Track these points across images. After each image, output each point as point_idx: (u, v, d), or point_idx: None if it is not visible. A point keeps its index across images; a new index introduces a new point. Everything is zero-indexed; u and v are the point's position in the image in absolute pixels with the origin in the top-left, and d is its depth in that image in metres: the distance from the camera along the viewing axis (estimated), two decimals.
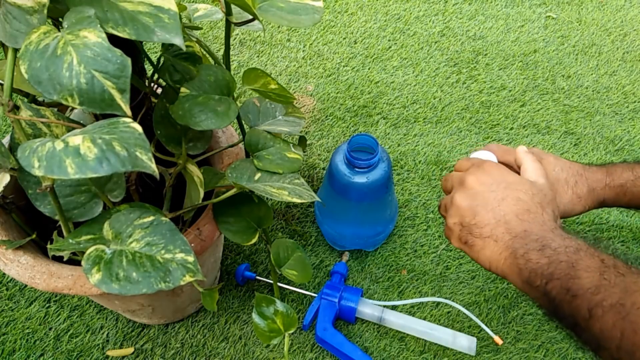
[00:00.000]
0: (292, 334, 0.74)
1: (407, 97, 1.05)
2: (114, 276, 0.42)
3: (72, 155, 0.34)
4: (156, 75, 0.57)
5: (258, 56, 1.12)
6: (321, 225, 0.83)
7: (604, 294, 0.37)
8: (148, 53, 0.72)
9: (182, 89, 0.51)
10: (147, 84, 0.58)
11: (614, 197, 0.58)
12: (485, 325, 0.74)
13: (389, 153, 0.89)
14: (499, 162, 0.59)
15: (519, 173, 0.55)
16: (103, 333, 0.74)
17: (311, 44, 1.15)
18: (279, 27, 1.18)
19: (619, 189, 0.57)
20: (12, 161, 0.47)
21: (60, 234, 0.53)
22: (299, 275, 0.62)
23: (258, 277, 0.78)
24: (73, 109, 0.59)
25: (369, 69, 1.10)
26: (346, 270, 0.79)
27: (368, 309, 0.74)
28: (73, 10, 0.38)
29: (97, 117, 0.57)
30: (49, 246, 0.51)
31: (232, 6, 0.51)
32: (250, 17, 0.49)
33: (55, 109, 0.51)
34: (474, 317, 0.73)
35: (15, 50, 0.40)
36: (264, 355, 0.73)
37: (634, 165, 0.58)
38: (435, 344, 0.73)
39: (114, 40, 0.38)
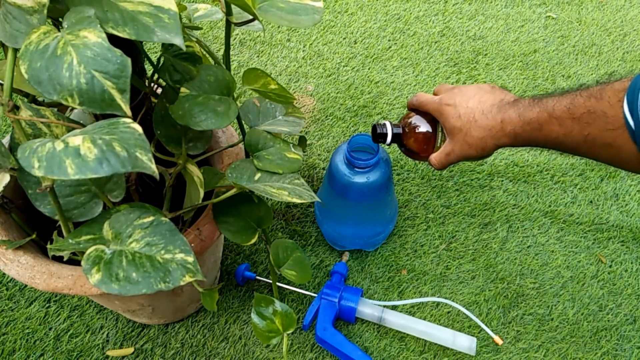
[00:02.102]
0: (292, 334, 0.74)
1: (407, 97, 1.05)
2: (114, 276, 0.42)
3: (72, 155, 0.34)
4: (156, 75, 0.57)
5: (258, 56, 1.12)
6: (321, 225, 0.83)
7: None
8: (148, 53, 0.72)
9: (182, 89, 0.51)
10: (147, 84, 0.58)
11: (510, 142, 0.56)
12: (485, 325, 0.74)
13: (389, 153, 0.89)
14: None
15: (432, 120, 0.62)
16: (103, 333, 0.74)
17: (311, 44, 1.15)
18: (279, 27, 1.18)
19: (516, 136, 0.54)
20: (12, 161, 0.47)
21: (60, 234, 0.53)
22: (299, 275, 0.62)
23: (258, 277, 0.78)
24: (73, 109, 0.59)
25: (369, 69, 1.10)
26: (346, 270, 0.79)
27: (368, 309, 0.74)
28: (73, 10, 0.38)
29: (97, 117, 0.57)
30: (49, 246, 0.51)
31: (232, 6, 0.51)
32: (250, 17, 0.49)
33: (55, 109, 0.51)
34: (474, 317, 0.73)
35: (15, 50, 0.40)
36: (264, 355, 0.73)
37: (526, 106, 0.54)
38: (435, 344, 0.73)
39: (114, 40, 0.38)
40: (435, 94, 0.63)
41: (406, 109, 0.98)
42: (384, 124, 0.64)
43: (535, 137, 0.52)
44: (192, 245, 0.56)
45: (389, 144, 0.64)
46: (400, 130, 0.64)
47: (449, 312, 0.77)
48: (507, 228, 0.86)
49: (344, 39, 1.16)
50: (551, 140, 0.51)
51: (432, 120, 0.63)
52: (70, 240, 0.47)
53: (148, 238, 0.44)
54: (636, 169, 0.46)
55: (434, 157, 0.62)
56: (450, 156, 0.60)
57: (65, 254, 0.53)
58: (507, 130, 0.54)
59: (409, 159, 0.95)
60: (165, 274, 0.43)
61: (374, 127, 0.63)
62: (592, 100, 0.46)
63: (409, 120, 0.64)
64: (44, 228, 0.60)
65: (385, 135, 0.63)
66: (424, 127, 0.63)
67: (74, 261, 0.55)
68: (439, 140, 0.64)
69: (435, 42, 1.16)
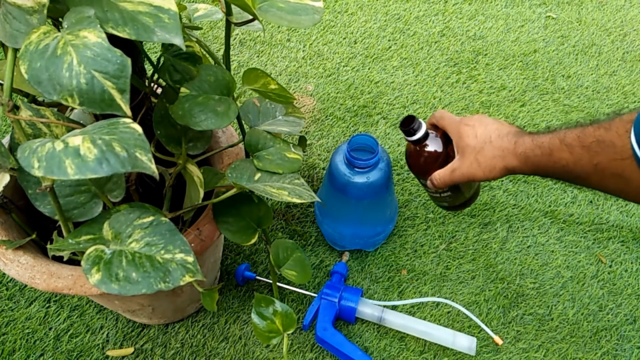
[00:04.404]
0: (292, 334, 0.75)
1: (407, 97, 1.05)
2: (114, 276, 0.42)
3: (72, 155, 0.34)
4: (156, 75, 0.57)
5: (258, 56, 1.12)
6: (321, 225, 0.83)
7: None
8: (148, 53, 0.72)
9: (182, 89, 0.51)
10: (147, 84, 0.58)
11: (518, 165, 0.56)
12: (485, 325, 0.74)
13: (389, 153, 0.89)
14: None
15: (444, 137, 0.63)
16: (103, 333, 0.74)
17: (311, 44, 1.15)
18: (279, 27, 1.18)
19: (526, 159, 0.55)
20: (12, 161, 0.47)
21: (60, 234, 0.53)
22: (299, 275, 0.62)
23: (258, 277, 0.78)
24: (73, 109, 0.59)
25: (369, 69, 1.10)
26: (346, 270, 0.79)
27: (368, 309, 0.74)
28: (73, 11, 0.38)
29: (97, 117, 0.57)
30: (49, 246, 0.51)
31: (232, 6, 0.51)
32: (250, 17, 0.49)
33: (55, 109, 0.51)
34: (474, 317, 0.73)
35: (15, 50, 0.40)
36: (264, 355, 0.73)
37: (540, 134, 0.55)
38: (435, 344, 0.73)
39: (114, 40, 0.38)
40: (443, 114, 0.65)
41: (408, 112, 0.99)
42: (421, 122, 0.64)
43: (545, 163, 0.53)
44: (192, 245, 0.56)
45: (413, 142, 0.64)
46: (433, 134, 0.64)
47: (449, 312, 0.77)
48: (507, 228, 0.86)
49: (344, 39, 1.16)
50: (560, 168, 0.52)
51: (445, 143, 0.64)
52: (70, 240, 0.47)
53: (148, 238, 0.44)
54: None
55: (438, 172, 0.63)
56: (455, 173, 0.60)
57: (65, 254, 0.53)
58: (519, 151, 0.55)
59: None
60: (165, 274, 0.43)
61: (411, 118, 0.63)
62: (601, 130, 0.47)
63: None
64: (44, 228, 0.60)
65: (416, 130, 0.63)
66: (437, 146, 0.65)
67: (74, 261, 0.55)
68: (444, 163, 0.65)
69: (435, 42, 1.16)
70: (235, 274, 0.78)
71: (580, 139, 0.49)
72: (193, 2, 1.17)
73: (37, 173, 0.34)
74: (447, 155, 0.64)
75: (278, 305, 0.58)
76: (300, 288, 0.78)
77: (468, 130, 0.60)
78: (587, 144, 0.48)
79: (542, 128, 1.00)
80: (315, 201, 0.70)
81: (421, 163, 0.65)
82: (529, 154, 0.54)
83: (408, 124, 0.62)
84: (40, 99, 0.55)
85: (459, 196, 0.71)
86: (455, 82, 1.08)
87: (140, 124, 0.40)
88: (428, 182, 0.65)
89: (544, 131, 0.55)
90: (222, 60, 0.56)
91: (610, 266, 0.83)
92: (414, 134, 0.63)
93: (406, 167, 0.94)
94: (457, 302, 0.76)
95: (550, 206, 0.90)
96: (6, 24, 0.39)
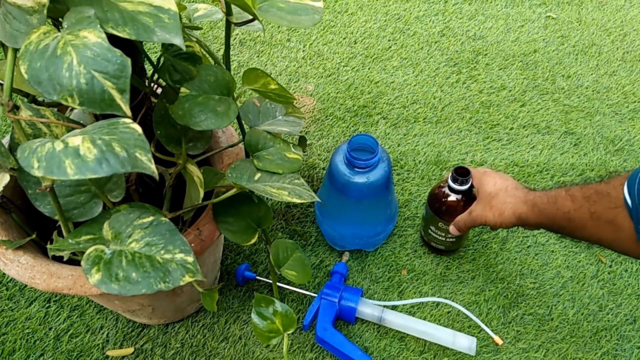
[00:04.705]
0: (292, 334, 0.75)
1: (407, 97, 1.05)
2: (114, 276, 0.42)
3: (72, 156, 0.34)
4: (156, 75, 0.57)
5: (258, 56, 1.12)
6: (321, 225, 0.83)
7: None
8: (148, 53, 0.72)
9: (182, 89, 0.51)
10: (147, 84, 0.58)
11: (526, 211, 0.61)
12: (485, 325, 0.74)
13: (389, 153, 0.89)
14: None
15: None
16: (103, 333, 0.74)
17: (311, 44, 1.15)
18: (279, 27, 1.18)
19: (533, 206, 0.61)
20: (12, 161, 0.47)
21: (60, 234, 0.53)
22: (299, 275, 0.62)
23: (258, 277, 0.78)
24: (73, 109, 0.59)
25: (369, 69, 1.10)
26: (346, 270, 0.79)
27: (368, 309, 0.74)
28: (73, 11, 0.38)
29: (97, 118, 0.57)
30: (49, 246, 0.51)
31: (232, 6, 0.51)
32: (250, 17, 0.49)
33: (55, 109, 0.51)
34: (474, 317, 0.73)
35: (15, 50, 0.40)
36: (264, 355, 0.73)
37: (551, 189, 0.61)
38: (435, 344, 0.73)
39: (114, 40, 0.38)
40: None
41: (408, 112, 1.00)
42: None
43: (550, 210, 0.59)
44: (192, 245, 0.56)
45: (459, 191, 0.73)
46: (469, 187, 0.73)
47: (449, 312, 0.77)
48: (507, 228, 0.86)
49: (344, 39, 1.16)
50: (561, 215, 0.57)
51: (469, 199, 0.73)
52: (70, 240, 0.47)
53: (148, 238, 0.44)
54: (634, 252, 0.52)
55: (460, 217, 0.71)
56: (472, 214, 0.68)
57: (65, 254, 0.53)
58: (528, 198, 0.61)
59: (409, 158, 0.95)
60: (165, 274, 0.43)
61: (466, 169, 0.72)
62: (602, 185, 0.53)
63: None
64: (44, 228, 0.60)
65: (468, 181, 0.71)
66: (473, 197, 0.73)
67: (74, 261, 0.55)
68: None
69: (435, 42, 1.16)
70: (235, 274, 0.78)
71: (582, 190, 0.55)
72: (193, 2, 1.17)
73: (37, 173, 0.34)
74: (466, 202, 0.73)
75: (278, 305, 0.58)
76: (300, 288, 0.78)
77: (489, 180, 0.67)
78: (588, 194, 0.54)
79: (526, 94, 1.00)
80: (315, 201, 0.71)
81: (457, 209, 0.73)
82: (536, 201, 0.60)
83: (466, 174, 0.71)
84: (40, 99, 0.55)
85: (459, 241, 0.80)
86: (455, 82, 1.08)
87: (140, 124, 0.40)
88: (451, 228, 0.73)
89: (554, 186, 0.61)
90: (222, 60, 0.56)
91: (610, 266, 0.83)
92: (466, 184, 0.71)
93: (406, 167, 0.94)
94: (457, 302, 0.76)
95: None
96: (6, 24, 0.39)
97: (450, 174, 0.71)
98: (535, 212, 0.60)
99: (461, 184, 0.71)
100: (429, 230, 0.78)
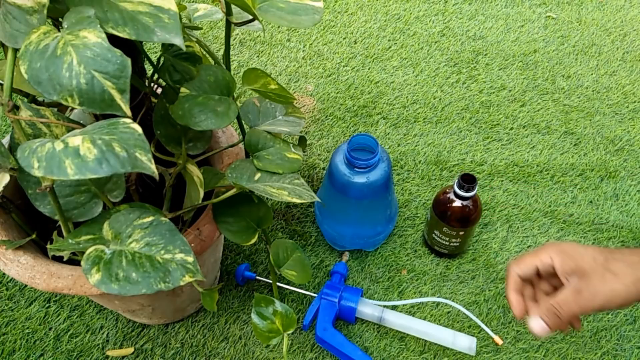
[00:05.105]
0: (292, 334, 0.74)
1: (407, 97, 1.05)
2: (114, 276, 0.42)
3: (72, 156, 0.34)
4: (156, 75, 0.57)
5: (258, 56, 1.12)
6: (321, 225, 0.83)
7: None
8: (148, 53, 0.72)
9: (182, 89, 0.51)
10: (147, 84, 0.58)
11: None
12: (485, 325, 0.74)
13: (389, 153, 0.89)
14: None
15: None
16: (103, 333, 0.74)
17: (311, 44, 1.15)
18: (279, 27, 1.18)
19: None
20: (12, 161, 0.47)
21: (60, 234, 0.53)
22: (298, 275, 0.62)
23: (258, 277, 0.78)
24: (73, 109, 0.59)
25: (369, 69, 1.10)
26: (346, 270, 0.79)
27: (368, 309, 0.74)
28: (73, 11, 0.38)
29: (97, 118, 0.57)
30: (48, 246, 0.51)
31: (232, 6, 0.51)
32: (250, 17, 0.49)
33: (55, 109, 0.51)
34: (474, 317, 0.73)
35: (15, 50, 0.40)
36: (264, 355, 0.73)
37: None
38: (435, 344, 0.73)
39: (114, 40, 0.38)
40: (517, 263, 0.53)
41: (408, 112, 1.00)
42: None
43: None
44: (192, 245, 0.56)
45: (465, 197, 0.73)
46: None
47: (449, 312, 0.77)
48: (507, 228, 0.86)
49: (344, 39, 1.16)
50: None
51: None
52: (70, 240, 0.47)
53: (148, 238, 0.44)
54: None
55: (554, 301, 0.48)
56: (582, 295, 0.47)
57: (65, 254, 0.53)
58: None
59: (409, 158, 0.95)
60: (165, 274, 0.43)
61: (473, 177, 0.72)
62: None
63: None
64: (44, 228, 0.60)
65: (475, 188, 0.72)
66: (476, 203, 0.75)
67: (74, 261, 0.55)
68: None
69: (435, 42, 1.16)
70: (235, 274, 0.78)
71: None
72: (193, 2, 1.17)
73: (37, 173, 0.34)
74: (477, 210, 0.75)
75: (278, 305, 0.58)
76: (300, 288, 0.78)
77: (573, 246, 0.49)
78: None
79: (526, 95, 1.00)
80: (315, 201, 0.71)
81: (462, 214, 0.74)
82: None
83: (472, 182, 0.71)
84: (40, 99, 0.55)
85: (463, 245, 0.80)
86: (455, 82, 1.08)
87: (140, 124, 0.40)
88: (538, 330, 0.50)
89: None
90: (222, 60, 0.56)
91: None
92: (473, 190, 0.72)
93: (406, 167, 0.94)
94: (457, 302, 0.76)
95: (550, 206, 0.90)
96: (6, 24, 0.39)
97: (457, 181, 0.72)
98: None
99: (467, 190, 0.71)
100: (433, 235, 0.78)
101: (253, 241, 0.59)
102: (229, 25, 0.53)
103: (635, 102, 1.06)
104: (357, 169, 0.71)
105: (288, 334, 0.59)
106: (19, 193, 0.60)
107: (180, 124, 0.51)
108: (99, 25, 0.37)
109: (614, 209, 0.90)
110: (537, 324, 0.49)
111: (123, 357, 0.72)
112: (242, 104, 0.63)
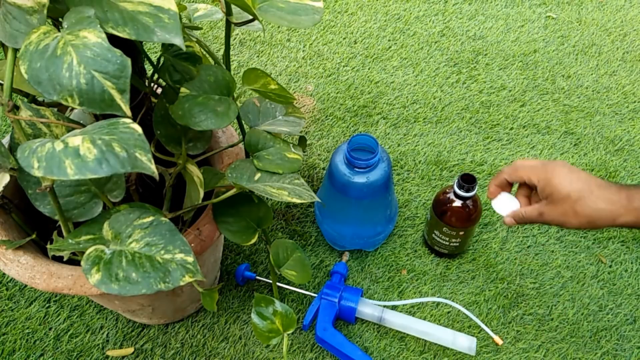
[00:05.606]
0: (292, 334, 0.74)
1: (407, 97, 1.05)
2: (114, 276, 0.42)
3: (72, 156, 0.34)
4: (156, 75, 0.57)
5: (258, 56, 1.12)
6: (321, 225, 0.83)
7: None
8: (148, 53, 0.72)
9: (182, 89, 0.51)
10: (147, 84, 0.58)
11: (633, 220, 0.53)
12: (485, 325, 0.74)
13: (389, 153, 0.89)
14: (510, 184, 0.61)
15: (531, 189, 0.60)
16: (103, 333, 0.74)
17: (311, 44, 1.15)
18: (279, 27, 1.18)
19: (638, 211, 0.52)
20: (12, 161, 0.47)
21: (60, 234, 0.53)
22: (298, 275, 0.62)
23: (258, 277, 0.78)
24: (73, 109, 0.59)
25: (369, 69, 1.10)
26: (346, 270, 0.79)
27: (368, 309, 0.74)
28: (73, 11, 0.38)
29: (97, 118, 0.57)
30: (48, 246, 0.51)
31: (232, 6, 0.51)
32: (250, 17, 0.49)
33: (55, 109, 0.51)
34: (474, 317, 0.73)
35: (15, 50, 0.40)
36: (264, 355, 0.73)
37: None
38: (435, 344, 0.73)
39: (114, 40, 0.38)
40: (516, 165, 0.62)
41: (408, 112, 1.00)
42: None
43: None
44: (192, 245, 0.56)
45: (465, 197, 0.73)
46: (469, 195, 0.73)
47: (449, 312, 0.77)
48: (507, 228, 0.86)
49: (344, 39, 1.16)
50: None
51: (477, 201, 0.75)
52: (70, 240, 0.47)
53: (148, 238, 0.44)
54: None
55: (525, 210, 0.59)
56: (544, 217, 0.57)
57: (65, 254, 0.53)
58: (635, 205, 0.53)
59: (409, 158, 0.95)
60: (165, 274, 0.43)
61: (472, 177, 0.71)
62: None
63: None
64: (44, 228, 0.60)
65: (474, 188, 0.71)
66: (476, 203, 0.75)
67: (74, 261, 0.55)
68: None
69: (435, 42, 1.16)
70: (235, 274, 0.78)
71: None
72: (193, 2, 1.17)
73: (37, 173, 0.34)
74: (477, 210, 0.75)
75: (278, 305, 0.58)
76: (300, 288, 0.78)
77: (559, 174, 0.56)
78: None
79: (526, 94, 1.00)
80: (315, 201, 0.71)
81: (462, 215, 0.74)
82: None
83: (472, 182, 0.71)
84: (40, 99, 0.55)
85: (463, 245, 0.80)
86: (455, 82, 1.08)
87: (140, 124, 0.40)
88: (507, 219, 0.61)
89: None
90: (222, 60, 0.56)
91: (610, 266, 0.83)
92: (473, 190, 0.71)
93: (406, 167, 0.94)
94: (457, 302, 0.76)
95: None
96: (6, 24, 0.39)
97: (457, 181, 0.71)
98: None
99: (467, 190, 0.71)
100: (433, 235, 0.78)
101: (253, 241, 0.59)
102: (229, 25, 0.53)
103: (635, 102, 1.06)
104: (357, 169, 0.71)
105: (288, 334, 0.59)
106: (19, 193, 0.60)
107: (180, 124, 0.51)
108: (99, 25, 0.37)
109: None
110: (508, 220, 0.60)
111: (123, 357, 0.72)
112: (242, 104, 0.63)
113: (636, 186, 0.54)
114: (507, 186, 0.62)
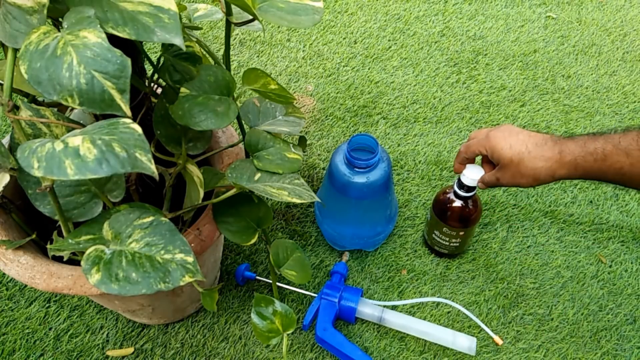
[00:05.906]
0: (292, 334, 0.74)
1: (407, 97, 1.05)
2: (114, 276, 0.42)
3: (72, 156, 0.34)
4: (156, 75, 0.57)
5: (258, 56, 1.12)
6: (321, 225, 0.83)
7: None
8: (148, 53, 0.72)
9: (182, 89, 0.51)
10: (147, 84, 0.58)
11: (567, 173, 0.57)
12: (485, 325, 0.74)
13: (389, 153, 0.89)
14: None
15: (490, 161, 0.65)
16: (103, 333, 0.74)
17: (311, 44, 1.15)
18: (279, 27, 1.18)
19: (576, 167, 0.56)
20: (12, 161, 0.47)
21: (60, 234, 0.53)
22: (298, 275, 0.62)
23: (258, 277, 0.78)
24: (73, 109, 0.59)
25: (369, 69, 1.10)
26: (346, 270, 0.79)
27: (368, 309, 0.74)
28: (73, 11, 0.38)
29: (97, 118, 0.57)
30: (48, 246, 0.51)
31: (232, 6, 0.51)
32: (250, 17, 0.49)
33: (55, 109, 0.51)
34: (474, 317, 0.73)
35: (15, 50, 0.40)
36: (263, 355, 0.73)
37: (586, 139, 0.56)
38: (435, 344, 0.73)
39: (114, 40, 0.38)
40: (470, 139, 0.68)
41: (408, 112, 0.99)
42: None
43: (598, 168, 0.54)
44: (192, 245, 0.56)
45: (466, 197, 0.72)
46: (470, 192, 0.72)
47: (449, 312, 0.77)
48: (507, 228, 0.86)
49: (344, 39, 1.16)
50: (614, 172, 0.53)
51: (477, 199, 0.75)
52: (70, 240, 0.47)
53: (148, 238, 0.44)
54: None
55: (485, 176, 0.65)
56: (501, 181, 0.62)
57: (65, 254, 0.53)
58: (567, 160, 0.55)
59: (409, 158, 0.95)
60: (165, 274, 0.43)
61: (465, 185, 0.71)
62: None
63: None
64: (44, 228, 0.60)
65: (475, 186, 0.70)
66: (476, 202, 0.74)
67: (74, 261, 0.55)
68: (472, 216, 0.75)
69: (435, 42, 1.16)
70: (235, 274, 0.78)
71: (638, 142, 0.50)
72: (193, 2, 1.17)
73: (37, 173, 0.34)
74: (477, 210, 0.75)
75: (278, 305, 0.58)
76: (300, 288, 0.78)
77: (499, 141, 0.60)
78: None
79: (526, 95, 1.00)
80: (315, 201, 0.71)
81: (462, 215, 0.74)
82: (579, 162, 0.55)
83: (464, 185, 0.70)
84: (40, 99, 0.55)
85: (463, 245, 0.80)
86: (455, 82, 1.08)
87: (140, 124, 0.40)
88: (479, 184, 0.67)
89: (590, 135, 0.55)
90: (222, 60, 0.56)
91: (610, 266, 0.83)
92: (472, 190, 0.71)
93: (406, 167, 0.94)
94: (457, 302, 0.76)
95: (550, 206, 0.90)
96: (6, 24, 0.39)
97: (457, 181, 0.71)
98: (579, 172, 0.55)
99: (467, 190, 0.71)
100: (433, 235, 0.78)
101: (253, 241, 0.59)
102: (229, 25, 0.53)
103: (635, 102, 1.06)
104: (357, 169, 0.71)
105: (288, 334, 0.59)
106: (19, 193, 0.60)
107: (180, 124, 0.51)
108: (99, 25, 0.37)
109: (614, 209, 0.90)
110: (480, 184, 0.67)
111: (123, 357, 0.72)
112: (242, 104, 0.63)
113: (568, 138, 0.56)
114: (469, 161, 0.67)
